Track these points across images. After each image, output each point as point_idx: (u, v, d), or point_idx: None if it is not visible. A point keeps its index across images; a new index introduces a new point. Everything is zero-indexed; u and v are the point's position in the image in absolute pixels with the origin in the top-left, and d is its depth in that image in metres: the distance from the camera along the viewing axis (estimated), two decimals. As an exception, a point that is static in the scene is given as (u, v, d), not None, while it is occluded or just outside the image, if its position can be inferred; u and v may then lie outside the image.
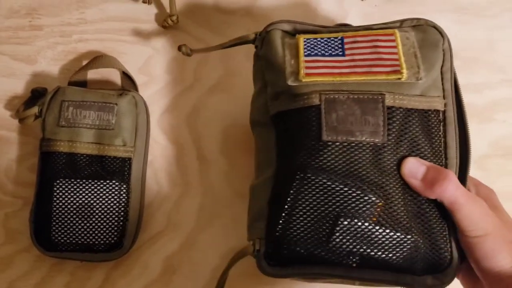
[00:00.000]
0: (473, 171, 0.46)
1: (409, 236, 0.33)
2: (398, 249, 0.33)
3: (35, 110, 0.44)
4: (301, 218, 0.34)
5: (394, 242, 0.33)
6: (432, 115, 0.35)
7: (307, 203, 0.34)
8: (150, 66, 0.49)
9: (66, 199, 0.42)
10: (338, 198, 0.34)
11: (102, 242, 0.42)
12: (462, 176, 0.36)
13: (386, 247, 0.33)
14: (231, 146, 0.48)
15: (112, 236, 0.42)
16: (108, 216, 0.42)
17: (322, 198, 0.34)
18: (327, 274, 0.34)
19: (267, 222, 0.36)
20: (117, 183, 0.43)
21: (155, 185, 0.47)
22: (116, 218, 0.43)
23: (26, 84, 0.49)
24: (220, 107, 0.48)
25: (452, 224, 0.34)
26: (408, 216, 0.34)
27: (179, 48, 0.42)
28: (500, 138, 0.48)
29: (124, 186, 0.43)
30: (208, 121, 0.48)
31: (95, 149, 0.43)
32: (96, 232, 0.42)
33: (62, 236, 0.42)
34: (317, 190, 0.34)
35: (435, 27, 0.36)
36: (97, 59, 0.47)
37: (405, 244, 0.33)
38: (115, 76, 0.49)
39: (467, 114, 0.47)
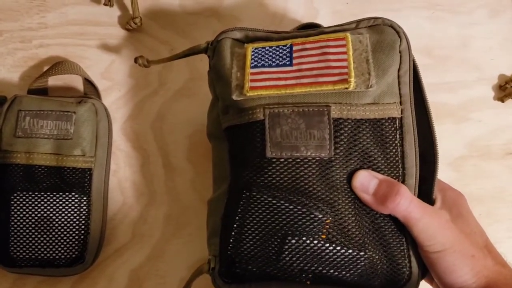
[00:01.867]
0: (449, 173, 0.46)
1: (362, 253, 0.32)
2: (351, 267, 0.32)
3: None
4: (250, 237, 0.34)
5: (346, 259, 0.32)
6: (387, 124, 0.33)
7: (254, 221, 0.33)
8: (113, 70, 0.48)
9: (25, 213, 0.41)
10: (284, 217, 0.33)
11: (63, 256, 0.41)
12: (429, 184, 0.34)
13: (338, 265, 0.32)
14: (198, 153, 0.46)
15: (73, 250, 0.41)
16: (68, 230, 0.41)
17: (269, 216, 0.33)
18: None
19: (220, 239, 0.36)
20: (76, 195, 0.41)
21: (119, 195, 0.45)
22: (77, 232, 0.41)
23: (-14, 93, 0.47)
24: (186, 112, 0.47)
25: (411, 238, 0.32)
26: (361, 232, 0.32)
27: (136, 60, 0.41)
28: (476, 139, 0.47)
29: (85, 198, 0.42)
30: (174, 127, 0.47)
31: (53, 160, 0.41)
32: (57, 246, 0.41)
33: (22, 251, 0.40)
34: (263, 208, 0.33)
35: (392, 27, 0.34)
36: (58, 65, 0.45)
37: (359, 261, 0.32)
38: (78, 82, 0.47)
39: (440, 115, 0.47)
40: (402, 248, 0.33)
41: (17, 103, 0.42)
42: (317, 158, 0.32)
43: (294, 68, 0.33)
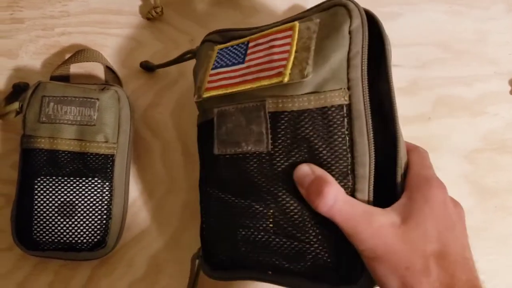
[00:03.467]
0: (464, 165, 0.46)
1: (307, 245, 0.31)
2: (300, 258, 0.32)
3: (16, 106, 0.43)
4: (213, 230, 0.36)
5: (293, 251, 0.32)
6: (330, 112, 0.30)
7: (214, 215, 0.36)
8: (134, 59, 0.48)
9: (48, 197, 0.41)
10: (234, 210, 0.34)
11: (85, 241, 0.41)
12: (393, 172, 0.32)
13: (287, 256, 0.32)
14: (217, 142, 0.47)
15: (95, 234, 0.42)
16: (90, 215, 0.41)
17: (221, 209, 0.35)
18: (257, 279, 0.35)
19: (200, 230, 0.38)
20: (99, 181, 0.42)
21: (140, 182, 0.46)
22: (99, 217, 0.42)
23: (8, 79, 0.48)
24: (206, 101, 0.47)
25: None
26: (306, 225, 0.31)
27: (141, 65, 0.44)
28: (492, 132, 0.47)
29: (107, 183, 0.42)
30: (193, 116, 0.46)
31: (76, 145, 0.42)
32: (79, 231, 0.41)
33: (44, 235, 0.41)
34: (217, 203, 0.35)
35: (346, 6, 0.30)
36: (80, 53, 0.46)
37: (306, 254, 0.31)
38: (99, 70, 0.48)
39: (457, 109, 0.47)
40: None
41: (41, 89, 0.42)
42: (257, 153, 0.32)
43: (245, 65, 0.33)
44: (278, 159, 0.32)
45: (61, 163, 0.41)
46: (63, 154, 0.42)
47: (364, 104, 0.30)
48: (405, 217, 0.29)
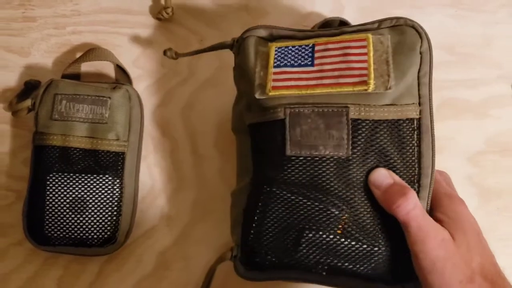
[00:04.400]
0: (468, 168, 0.47)
1: (376, 248, 0.33)
2: (365, 261, 0.33)
3: (28, 103, 0.43)
4: (269, 230, 0.35)
5: (360, 254, 0.33)
6: (404, 124, 0.33)
7: (274, 215, 0.35)
8: (145, 59, 0.49)
9: (60, 193, 0.42)
10: (302, 212, 0.34)
11: (95, 236, 0.42)
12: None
13: (353, 259, 0.34)
14: (226, 141, 0.47)
15: (106, 230, 0.42)
16: (101, 211, 0.42)
17: (287, 211, 0.35)
18: (303, 279, 0.36)
19: (242, 230, 0.37)
20: (110, 178, 0.43)
21: (149, 180, 0.47)
22: (110, 213, 0.42)
23: (19, 76, 0.49)
24: (215, 101, 0.48)
25: None
26: (375, 229, 0.33)
27: (164, 53, 0.43)
28: (496, 135, 0.48)
29: (118, 180, 0.43)
30: (203, 115, 0.48)
31: (88, 143, 0.42)
32: (89, 226, 0.42)
33: (55, 230, 0.42)
34: (282, 203, 0.35)
35: (414, 27, 0.34)
36: (91, 51, 0.47)
37: (372, 256, 0.33)
38: (109, 69, 0.49)
39: (461, 111, 0.48)
40: None
41: (54, 86, 0.43)
42: (335, 157, 0.33)
43: (316, 68, 0.34)
44: (354, 165, 0.33)
45: (73, 160, 0.42)
46: (75, 151, 0.42)
47: (431, 120, 0.33)
48: (451, 232, 0.31)
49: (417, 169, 0.33)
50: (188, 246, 0.46)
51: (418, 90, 0.34)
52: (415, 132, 0.33)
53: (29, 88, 0.47)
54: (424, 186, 0.33)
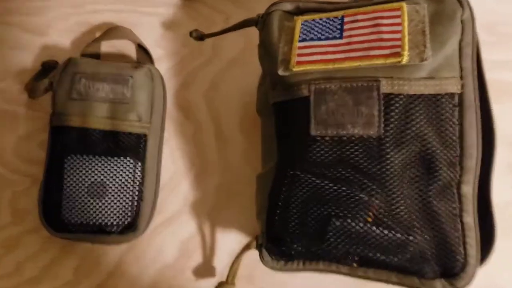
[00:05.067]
0: (509, 153, 0.44)
1: (411, 237, 0.30)
2: (399, 251, 0.31)
3: (45, 83, 0.42)
4: (294, 216, 0.33)
5: (394, 243, 0.31)
6: (443, 100, 0.30)
7: (298, 201, 0.33)
8: (167, 39, 0.47)
9: (78, 176, 0.40)
10: (328, 197, 0.32)
11: (115, 223, 0.40)
12: (487, 166, 0.32)
13: (386, 249, 0.31)
14: (251, 123, 0.45)
15: (126, 216, 0.40)
16: (122, 196, 0.40)
17: (313, 197, 0.32)
18: (332, 271, 0.34)
19: (266, 216, 0.35)
20: (131, 161, 0.40)
21: (171, 164, 0.44)
22: (131, 198, 0.40)
23: (36, 57, 0.47)
24: (240, 82, 0.46)
25: (469, 224, 0.30)
26: (411, 216, 0.31)
27: (191, 34, 0.41)
28: (540, 119, 0.45)
29: (139, 164, 0.41)
30: (227, 97, 0.46)
31: (108, 124, 0.40)
32: (109, 212, 0.40)
33: (73, 216, 0.40)
34: (307, 188, 0.32)
35: None
36: (112, 30, 0.45)
37: (407, 246, 0.31)
38: (130, 50, 0.46)
39: (502, 94, 0.45)
40: (457, 234, 0.31)
41: (73, 65, 0.41)
42: (365, 137, 0.31)
43: (344, 41, 0.32)
44: (387, 144, 0.30)
45: (92, 142, 0.40)
46: (95, 133, 0.40)
47: (475, 95, 0.30)
48: None
49: (458, 150, 0.30)
50: (211, 235, 0.43)
51: (460, 62, 0.31)
52: (456, 109, 0.30)
53: (46, 69, 0.45)
54: (468, 169, 0.30)
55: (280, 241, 0.34)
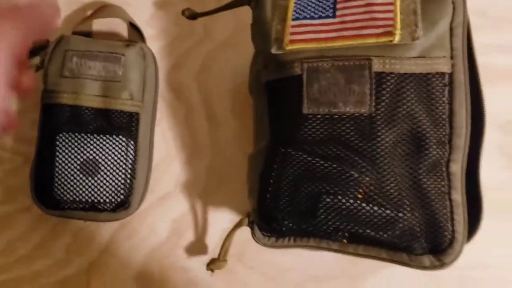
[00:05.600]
0: (498, 135, 0.45)
1: (400, 214, 0.31)
2: (389, 227, 0.32)
3: (37, 61, 0.41)
4: (285, 193, 0.34)
5: (384, 220, 0.31)
6: (434, 79, 0.31)
7: (290, 178, 0.33)
8: (158, 18, 0.46)
9: (70, 154, 0.40)
10: (319, 175, 0.32)
11: (107, 200, 0.40)
12: (476, 146, 0.33)
13: (375, 225, 0.32)
14: (243, 105, 0.45)
15: (118, 194, 0.40)
16: (114, 173, 0.40)
17: (304, 174, 0.33)
18: (323, 248, 0.35)
19: (258, 194, 0.36)
20: (124, 139, 0.40)
21: (163, 145, 0.45)
22: (123, 176, 0.40)
23: (26, 35, 0.46)
24: (232, 63, 0.46)
25: (456, 201, 0.31)
26: (401, 193, 0.31)
27: (183, 13, 0.41)
28: (530, 102, 0.45)
29: (132, 142, 0.41)
30: (218, 78, 0.46)
31: (100, 102, 0.40)
32: (102, 189, 0.40)
33: (65, 193, 0.40)
34: (298, 165, 0.33)
35: None
36: (103, 8, 0.44)
37: (397, 222, 0.31)
38: (122, 28, 0.46)
39: (493, 77, 0.45)
40: (445, 211, 0.32)
41: (64, 42, 0.41)
42: (356, 115, 0.31)
43: (337, 20, 0.32)
44: (379, 122, 0.31)
45: (84, 120, 0.40)
46: (86, 110, 0.40)
47: (465, 75, 0.31)
48: None
49: (448, 128, 0.31)
50: (203, 214, 0.44)
51: (451, 42, 0.31)
52: (446, 88, 0.31)
53: (37, 47, 0.44)
54: (457, 148, 0.31)
55: (271, 218, 0.34)
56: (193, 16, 0.42)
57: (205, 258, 0.43)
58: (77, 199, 0.40)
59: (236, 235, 0.38)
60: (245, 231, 0.37)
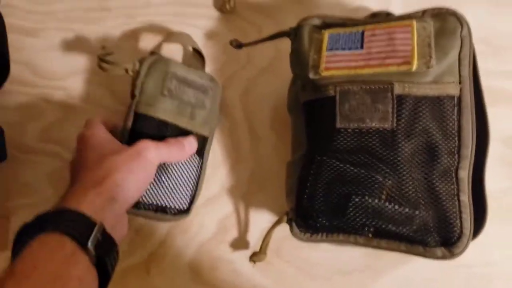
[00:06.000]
0: (501, 148, 0.51)
1: (417, 212, 0.37)
2: (407, 223, 0.37)
3: (126, 66, 0.44)
4: (320, 195, 0.40)
5: (403, 217, 0.37)
6: (445, 100, 0.37)
7: (324, 181, 0.39)
8: (208, 47, 0.54)
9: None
10: (349, 179, 0.38)
11: (175, 206, 0.45)
12: (482, 157, 0.39)
13: (396, 221, 0.37)
14: (280, 123, 0.52)
15: (185, 203, 0.46)
16: (184, 185, 0.46)
17: (337, 178, 0.39)
18: (351, 242, 0.40)
19: (296, 196, 0.42)
20: (197, 158, 0.47)
21: (212, 154, 0.51)
22: (190, 187, 0.46)
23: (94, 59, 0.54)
24: (270, 86, 0.53)
25: (464, 202, 0.37)
26: (417, 194, 0.37)
27: (231, 43, 0.48)
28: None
29: (201, 160, 0.47)
30: (259, 99, 0.53)
31: (188, 123, 0.46)
32: (173, 197, 0.45)
33: (145, 197, 0.44)
34: (332, 171, 0.39)
35: (455, 15, 0.38)
36: (173, 34, 0.51)
37: (414, 219, 0.37)
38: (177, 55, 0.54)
39: (497, 98, 0.52)
40: (454, 210, 0.37)
41: (163, 63, 0.45)
42: (381, 129, 0.37)
43: (364, 51, 0.38)
44: (399, 135, 0.37)
45: (167, 136, 0.44)
46: (171, 127, 0.45)
47: (470, 97, 0.37)
48: None
49: (457, 141, 0.37)
50: (246, 214, 0.50)
51: (459, 70, 0.37)
52: (456, 108, 0.37)
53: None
54: (464, 157, 0.37)
55: (307, 216, 0.40)
56: (239, 46, 0.49)
57: (247, 252, 0.49)
58: (151, 202, 0.44)
59: (274, 233, 0.44)
60: (281, 230, 0.43)
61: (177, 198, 0.45)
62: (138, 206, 0.44)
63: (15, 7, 0.56)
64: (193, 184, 0.47)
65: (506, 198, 0.49)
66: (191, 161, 0.46)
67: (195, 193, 0.47)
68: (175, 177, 0.45)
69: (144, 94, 0.45)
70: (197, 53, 0.52)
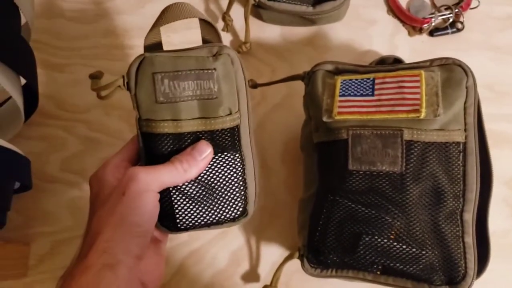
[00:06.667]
0: (504, 190, 0.53)
1: (424, 252, 0.39)
2: (414, 262, 0.39)
3: (118, 82, 0.37)
4: (332, 233, 0.41)
5: (410, 256, 0.39)
6: (451, 147, 0.38)
7: (336, 220, 0.41)
8: (224, 84, 0.57)
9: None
10: (360, 219, 0.40)
11: (227, 216, 0.40)
12: (485, 198, 0.41)
13: (404, 260, 0.39)
14: (291, 157, 0.54)
15: (237, 208, 0.40)
16: (229, 190, 0.40)
17: (348, 217, 0.40)
18: (359, 278, 0.42)
19: (308, 232, 0.43)
20: (230, 155, 0.39)
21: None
22: (237, 189, 0.40)
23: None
24: (282, 122, 0.55)
25: (468, 243, 0.39)
26: (424, 235, 0.39)
27: (248, 83, 0.49)
28: (531, 164, 0.53)
29: (237, 155, 0.40)
30: (271, 134, 0.55)
31: (201, 124, 0.38)
32: (221, 207, 0.40)
33: (187, 218, 0.39)
34: (344, 211, 0.41)
35: (461, 66, 0.39)
36: (168, 10, 0.40)
37: (421, 258, 0.39)
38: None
39: (499, 141, 0.54)
40: (459, 250, 0.39)
41: (148, 64, 0.37)
42: (390, 172, 0.39)
43: (375, 98, 0.40)
44: (408, 179, 0.39)
45: (186, 146, 0.38)
46: (189, 135, 0.38)
47: (475, 144, 0.39)
48: None
49: (462, 185, 0.39)
50: (257, 247, 0.52)
51: (464, 118, 0.39)
52: (461, 154, 0.39)
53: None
54: (469, 200, 0.39)
55: (319, 252, 0.42)
56: (254, 86, 0.51)
57: (258, 285, 0.50)
58: (199, 223, 0.40)
59: (284, 267, 0.45)
60: (291, 263, 0.44)
61: (226, 207, 0.40)
62: (185, 228, 0.40)
63: (43, 42, 0.59)
64: (238, 184, 0.40)
65: (508, 238, 0.51)
66: (223, 161, 0.39)
67: (245, 192, 0.40)
68: (213, 186, 0.39)
69: (141, 108, 0.38)
70: (207, 24, 0.42)
